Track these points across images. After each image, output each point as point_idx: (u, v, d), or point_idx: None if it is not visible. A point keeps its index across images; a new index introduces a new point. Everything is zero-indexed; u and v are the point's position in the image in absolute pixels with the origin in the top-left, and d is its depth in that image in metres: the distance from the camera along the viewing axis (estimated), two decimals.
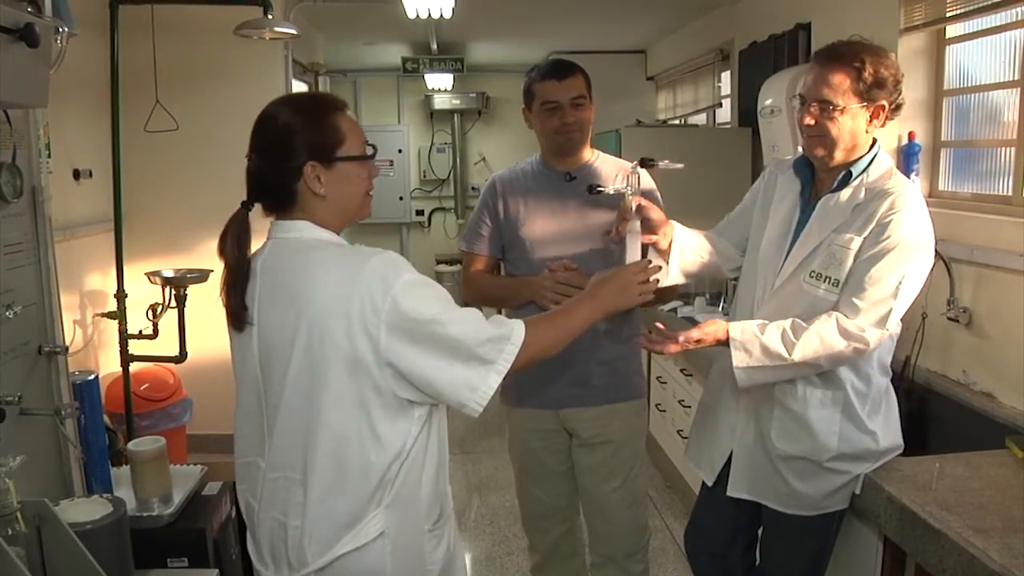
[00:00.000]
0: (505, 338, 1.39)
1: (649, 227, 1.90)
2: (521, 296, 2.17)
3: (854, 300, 1.68)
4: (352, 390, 1.35)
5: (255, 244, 1.47)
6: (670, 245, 1.93)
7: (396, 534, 1.42)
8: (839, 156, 1.75)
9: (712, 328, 1.74)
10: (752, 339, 1.71)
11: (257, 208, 1.46)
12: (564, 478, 2.30)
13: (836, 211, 1.76)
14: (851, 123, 1.70)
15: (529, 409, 2.25)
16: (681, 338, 1.73)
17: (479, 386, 1.37)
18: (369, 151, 1.45)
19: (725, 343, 1.73)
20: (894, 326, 1.73)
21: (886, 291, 1.67)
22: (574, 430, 2.23)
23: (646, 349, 1.82)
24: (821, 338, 1.68)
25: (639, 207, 1.84)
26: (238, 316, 1.44)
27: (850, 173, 1.76)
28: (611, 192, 1.94)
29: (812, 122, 1.72)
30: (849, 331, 1.67)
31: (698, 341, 1.73)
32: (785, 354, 1.69)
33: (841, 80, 1.68)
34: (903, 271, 1.67)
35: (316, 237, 1.41)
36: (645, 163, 1.91)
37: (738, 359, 1.71)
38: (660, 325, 1.78)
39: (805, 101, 1.74)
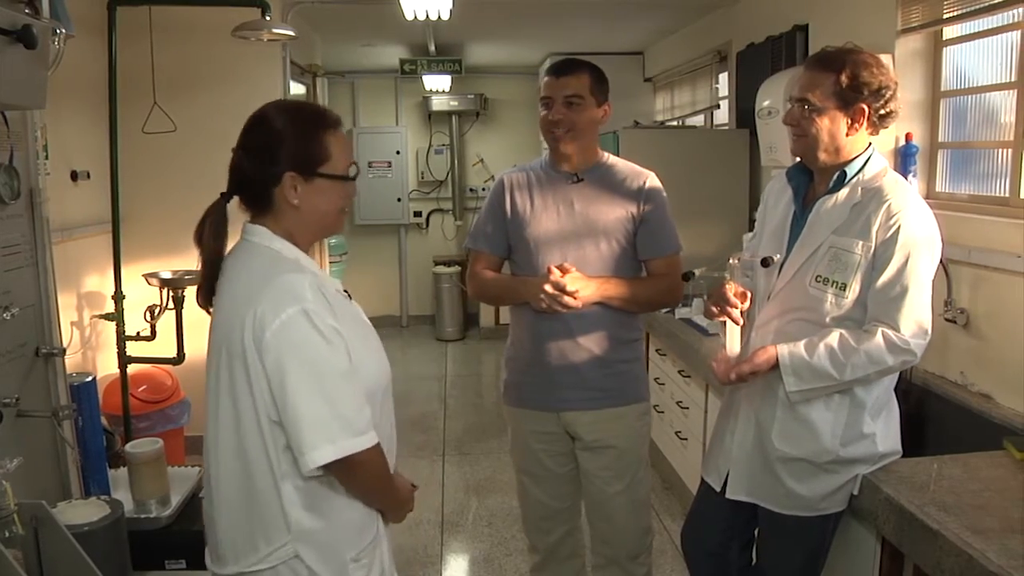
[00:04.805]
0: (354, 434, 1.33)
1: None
2: (518, 296, 2.19)
3: (893, 314, 1.70)
4: (248, 396, 1.35)
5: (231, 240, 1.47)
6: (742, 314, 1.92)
7: (314, 563, 1.38)
8: (823, 157, 1.79)
9: (764, 359, 1.77)
10: (802, 363, 1.74)
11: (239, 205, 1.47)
12: (565, 480, 2.30)
13: (834, 212, 1.78)
14: (829, 124, 1.75)
15: (530, 410, 2.25)
16: (733, 375, 1.78)
17: (308, 451, 1.31)
18: (352, 171, 1.45)
19: (777, 367, 1.77)
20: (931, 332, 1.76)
21: (918, 299, 1.70)
22: (576, 433, 2.22)
23: (716, 372, 1.83)
24: (870, 357, 1.70)
25: (743, 294, 1.84)
26: (206, 308, 1.46)
27: (844, 174, 1.78)
28: (698, 274, 1.91)
29: (792, 121, 1.80)
30: (896, 345, 1.69)
31: (753, 373, 1.77)
32: (836, 375, 1.72)
33: (820, 82, 1.74)
34: (923, 271, 1.70)
35: (266, 244, 1.41)
36: (766, 262, 1.87)
37: (790, 383, 1.76)
38: (725, 356, 1.81)
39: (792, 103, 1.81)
